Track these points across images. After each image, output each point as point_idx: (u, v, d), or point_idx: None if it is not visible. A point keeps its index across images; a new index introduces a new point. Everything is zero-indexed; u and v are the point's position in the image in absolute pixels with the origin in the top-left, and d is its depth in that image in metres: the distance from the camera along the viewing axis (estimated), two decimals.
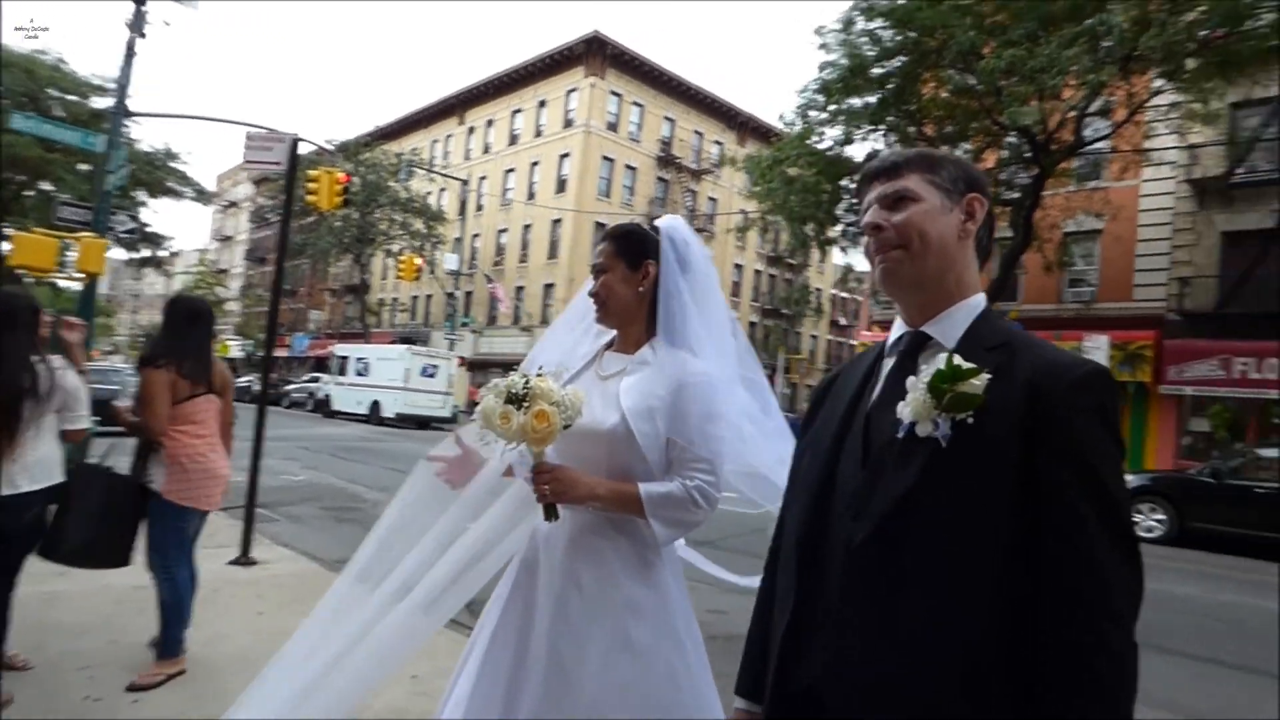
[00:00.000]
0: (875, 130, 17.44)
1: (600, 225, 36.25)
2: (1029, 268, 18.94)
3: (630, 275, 1.83)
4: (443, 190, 41.60)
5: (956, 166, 1.23)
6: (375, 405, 26.25)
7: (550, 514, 1.66)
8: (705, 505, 1.69)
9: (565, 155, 36.86)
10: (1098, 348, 15.31)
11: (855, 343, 53.28)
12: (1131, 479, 11.37)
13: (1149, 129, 16.89)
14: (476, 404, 1.67)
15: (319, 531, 7.49)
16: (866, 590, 1.08)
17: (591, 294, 1.87)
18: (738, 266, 45.20)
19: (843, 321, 51.69)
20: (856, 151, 17.95)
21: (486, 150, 41.53)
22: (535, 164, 38.44)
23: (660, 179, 39.72)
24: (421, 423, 25.53)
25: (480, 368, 34.51)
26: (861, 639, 1.08)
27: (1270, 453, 11.35)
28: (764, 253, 46.48)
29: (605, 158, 36.93)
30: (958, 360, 1.05)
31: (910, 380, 1.10)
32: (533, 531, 1.78)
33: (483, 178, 41.06)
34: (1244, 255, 17.33)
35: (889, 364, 1.24)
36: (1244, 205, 17.75)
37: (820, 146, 17.65)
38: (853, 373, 1.30)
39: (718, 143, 42.17)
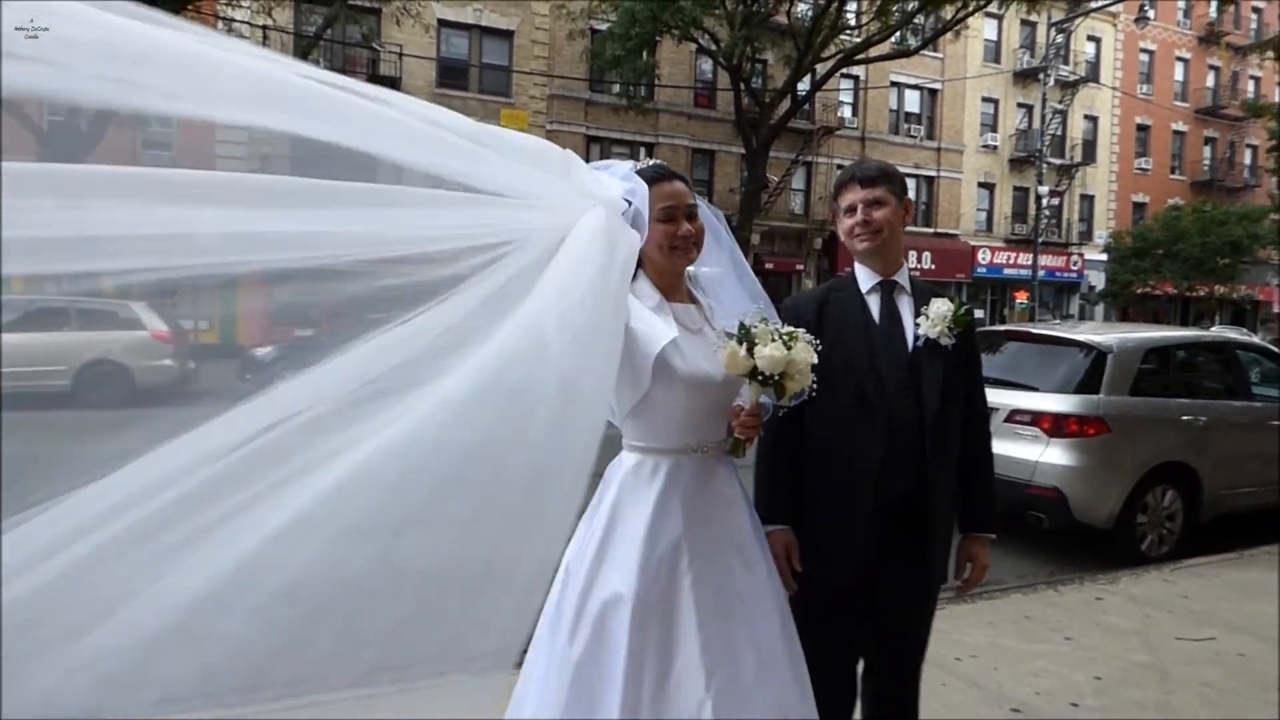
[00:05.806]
0: None
1: None
2: None
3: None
4: None
5: (901, 180, 2.03)
6: None
7: (739, 449, 1.78)
8: None
9: None
10: None
11: None
12: None
13: None
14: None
15: None
16: (937, 435, 1.94)
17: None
18: None
19: None
20: None
21: None
22: None
23: None
24: None
25: None
26: (937, 462, 1.95)
27: None
28: None
29: None
30: (954, 302, 1.96)
31: (932, 310, 1.93)
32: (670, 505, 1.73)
33: None
34: None
35: (874, 299, 2.00)
36: None
37: None
38: (841, 304, 2.02)
39: None
